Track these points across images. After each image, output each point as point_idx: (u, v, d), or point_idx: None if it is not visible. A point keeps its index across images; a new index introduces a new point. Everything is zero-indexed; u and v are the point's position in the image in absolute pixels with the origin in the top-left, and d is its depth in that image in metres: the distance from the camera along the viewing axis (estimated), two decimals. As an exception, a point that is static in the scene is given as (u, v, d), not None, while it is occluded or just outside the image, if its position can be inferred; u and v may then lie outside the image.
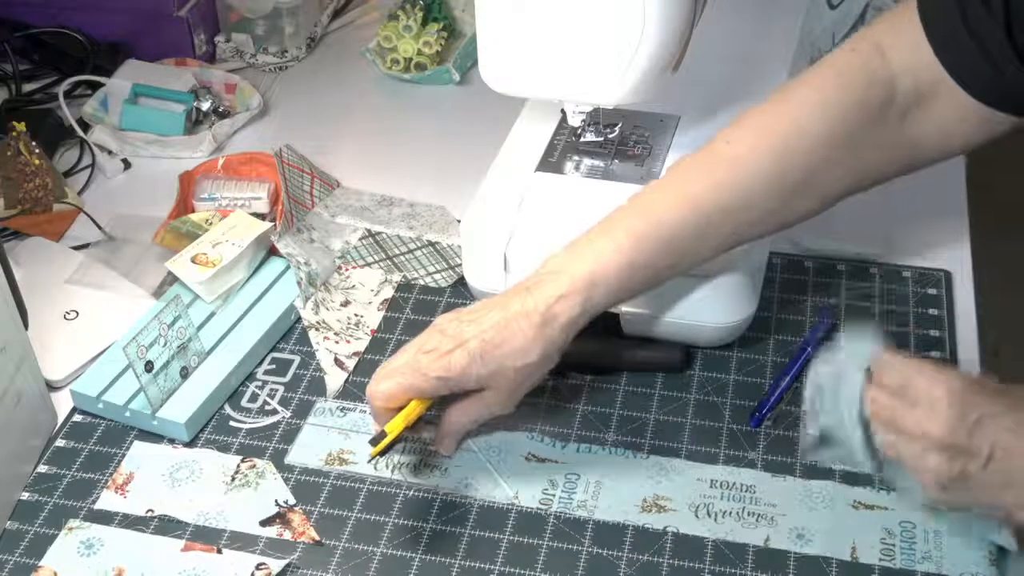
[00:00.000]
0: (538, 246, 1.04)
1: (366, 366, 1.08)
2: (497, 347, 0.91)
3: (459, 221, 1.18)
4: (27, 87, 1.48)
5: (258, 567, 0.91)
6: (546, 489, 0.96)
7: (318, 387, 1.06)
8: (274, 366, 1.09)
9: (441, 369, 0.91)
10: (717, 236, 0.96)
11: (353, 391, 1.06)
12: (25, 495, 0.98)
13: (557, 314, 0.92)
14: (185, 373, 1.04)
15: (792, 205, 0.97)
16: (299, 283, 1.13)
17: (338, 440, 1.01)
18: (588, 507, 0.95)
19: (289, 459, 1.00)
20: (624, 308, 1.05)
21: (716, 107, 1.15)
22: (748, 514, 0.93)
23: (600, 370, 1.06)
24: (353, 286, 1.16)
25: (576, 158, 1.12)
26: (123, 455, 1.01)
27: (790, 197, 0.96)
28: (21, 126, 1.28)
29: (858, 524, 0.92)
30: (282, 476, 0.98)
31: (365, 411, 1.04)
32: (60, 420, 1.05)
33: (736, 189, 0.95)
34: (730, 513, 0.93)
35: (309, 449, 1.01)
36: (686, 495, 0.95)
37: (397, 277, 1.17)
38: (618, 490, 0.96)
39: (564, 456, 0.99)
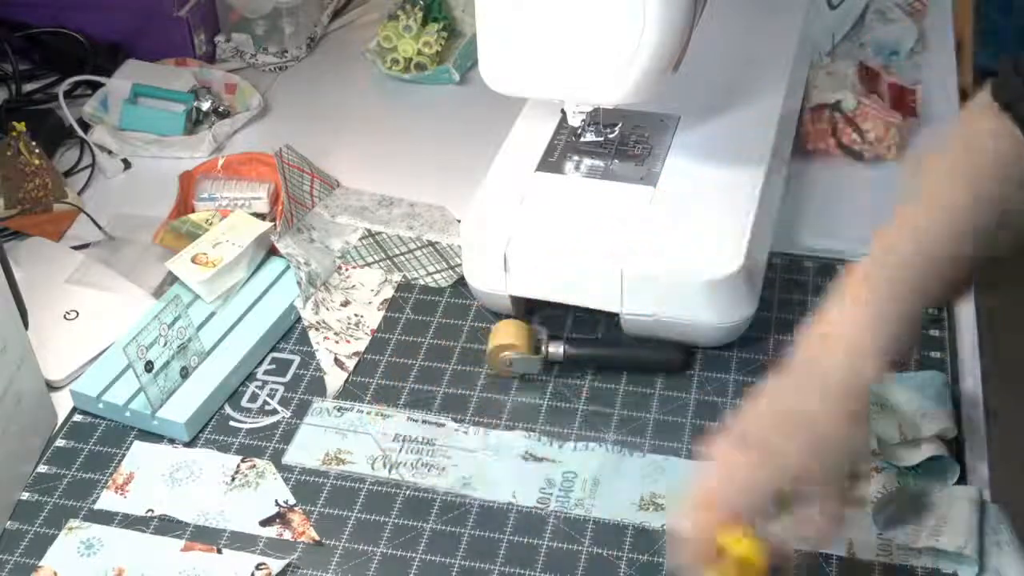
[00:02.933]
0: (538, 246, 1.05)
1: (366, 366, 1.08)
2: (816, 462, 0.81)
3: (459, 221, 1.18)
4: (27, 87, 1.47)
5: (258, 567, 0.91)
6: (543, 488, 0.96)
7: (318, 387, 1.06)
8: (274, 366, 1.09)
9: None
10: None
11: (353, 391, 1.06)
12: (25, 495, 0.98)
13: (861, 393, 0.83)
14: (185, 373, 1.04)
15: None
16: (299, 283, 1.13)
17: (335, 440, 1.01)
18: (585, 506, 0.94)
19: (287, 459, 1.00)
20: (624, 308, 1.05)
21: (716, 107, 1.15)
22: None
23: (600, 370, 1.06)
24: (353, 286, 1.16)
25: (576, 158, 1.12)
26: (123, 455, 1.01)
27: None
28: (21, 126, 1.28)
29: (855, 522, 0.91)
30: (282, 476, 0.98)
31: (362, 411, 1.03)
32: (60, 420, 1.04)
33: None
34: None
35: (306, 449, 1.00)
36: (683, 493, 0.95)
37: (397, 277, 1.17)
38: (615, 489, 0.96)
39: (561, 455, 0.99)
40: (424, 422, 1.02)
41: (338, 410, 1.04)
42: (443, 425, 1.02)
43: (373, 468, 0.98)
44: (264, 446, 1.01)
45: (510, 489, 0.96)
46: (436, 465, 0.98)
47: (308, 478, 0.98)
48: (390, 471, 0.98)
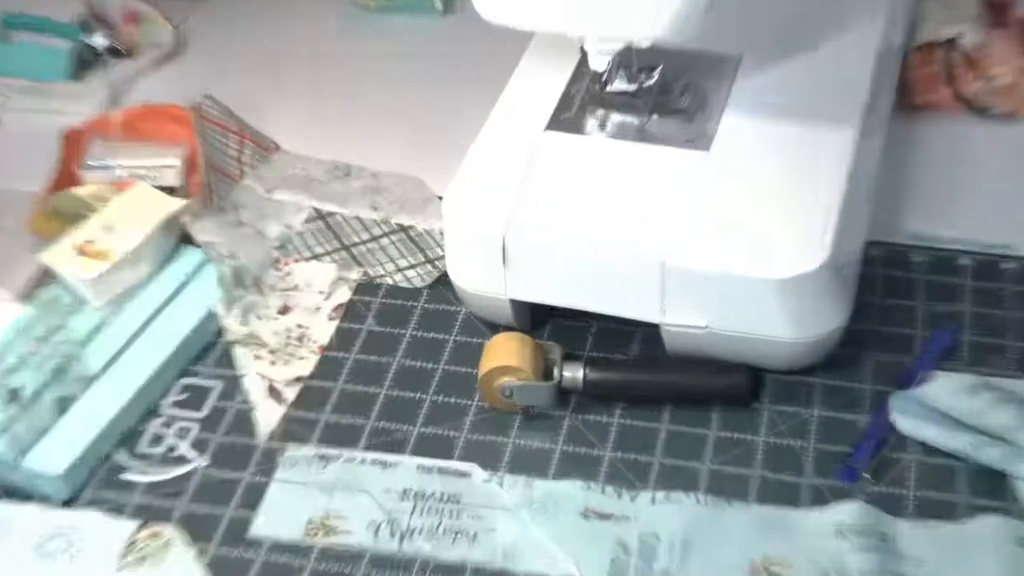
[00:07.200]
0: (548, 233, 1.04)
1: (312, 397, 1.07)
2: None
3: (440, 198, 1.16)
4: None
5: None
6: (616, 556, 0.94)
7: (246, 425, 1.05)
8: (186, 396, 1.09)
9: None
10: None
11: (294, 430, 1.02)
12: None
13: None
14: (63, 406, 1.04)
15: None
16: (221, 282, 1.12)
17: (321, 501, 1.00)
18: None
19: (253, 532, 0.98)
20: (666, 318, 1.03)
21: (789, 44, 1.15)
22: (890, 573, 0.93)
23: (636, 402, 1.05)
24: (295, 286, 1.15)
25: (601, 113, 1.11)
26: (-26, 520, 0.97)
27: None
28: None
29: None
30: (246, 555, 0.95)
31: (354, 459, 1.02)
32: None
33: None
34: (871, 572, 0.92)
35: (281, 515, 0.99)
36: (807, 553, 0.94)
37: (356, 274, 1.16)
38: (713, 552, 0.95)
39: (635, 510, 0.97)
40: (441, 471, 1.01)
41: (320, 459, 1.02)
42: (468, 475, 1.01)
43: (376, 537, 0.96)
44: (171, 507, 1.00)
45: (570, 559, 0.95)
46: (462, 531, 0.98)
47: (281, 558, 0.96)
48: (400, 541, 0.95)
